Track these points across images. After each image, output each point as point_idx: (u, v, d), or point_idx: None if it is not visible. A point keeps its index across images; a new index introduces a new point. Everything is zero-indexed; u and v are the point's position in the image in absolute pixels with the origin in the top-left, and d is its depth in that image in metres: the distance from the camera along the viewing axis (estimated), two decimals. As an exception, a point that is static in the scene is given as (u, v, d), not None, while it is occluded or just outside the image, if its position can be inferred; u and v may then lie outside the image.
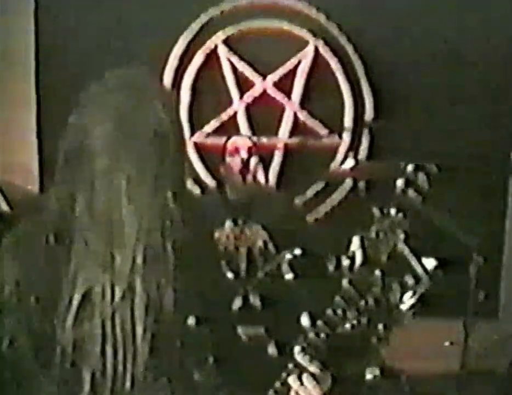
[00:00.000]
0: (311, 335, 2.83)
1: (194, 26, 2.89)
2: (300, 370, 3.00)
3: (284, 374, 3.01)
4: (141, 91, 1.49)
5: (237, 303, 2.95)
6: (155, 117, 1.51)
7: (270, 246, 2.92)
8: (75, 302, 1.51)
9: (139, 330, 1.75)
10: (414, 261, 2.92)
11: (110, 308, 1.74)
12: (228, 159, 2.88)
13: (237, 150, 2.92)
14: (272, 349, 2.89)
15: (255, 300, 2.94)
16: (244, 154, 2.90)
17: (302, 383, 2.22)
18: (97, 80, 1.36)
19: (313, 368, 2.09)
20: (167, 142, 1.50)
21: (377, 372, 2.96)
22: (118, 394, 1.91)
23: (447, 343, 2.87)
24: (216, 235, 2.95)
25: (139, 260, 1.53)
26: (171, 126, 1.53)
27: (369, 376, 2.97)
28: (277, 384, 2.88)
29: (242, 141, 2.91)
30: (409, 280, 2.94)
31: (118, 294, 1.74)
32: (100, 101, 1.33)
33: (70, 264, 1.48)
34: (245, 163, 2.89)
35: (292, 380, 2.34)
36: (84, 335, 1.59)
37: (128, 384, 2.07)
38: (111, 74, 1.36)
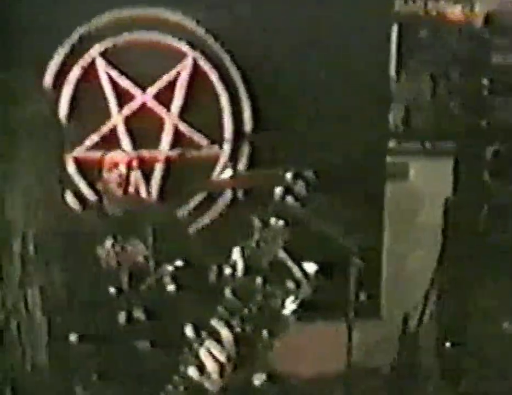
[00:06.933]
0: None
1: (72, 39, 2.87)
2: (187, 380, 3.09)
3: (170, 387, 3.08)
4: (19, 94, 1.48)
5: (122, 318, 2.96)
6: (32, 120, 1.50)
7: (151, 261, 2.93)
8: None
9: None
10: (294, 267, 2.99)
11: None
12: (106, 174, 2.88)
13: (116, 164, 2.92)
14: (157, 361, 2.92)
15: (139, 314, 2.95)
16: (123, 169, 2.91)
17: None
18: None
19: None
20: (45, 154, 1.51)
21: (264, 377, 3.02)
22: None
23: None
24: (98, 252, 2.94)
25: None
26: (48, 133, 1.53)
27: (256, 382, 3.03)
28: (162, 395, 2.92)
29: (120, 155, 2.92)
30: (291, 285, 3.02)
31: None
32: None
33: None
34: (126, 178, 2.89)
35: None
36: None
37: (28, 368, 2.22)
38: None
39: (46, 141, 2.87)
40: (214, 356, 2.94)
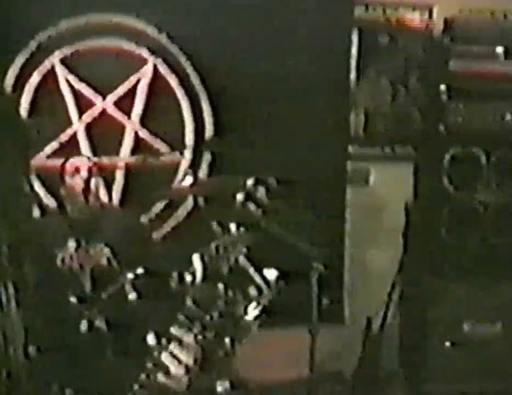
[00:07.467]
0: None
1: (31, 45, 2.84)
2: (148, 388, 3.07)
3: (130, 395, 3.03)
4: None
5: (83, 327, 2.94)
6: None
7: (114, 263, 2.92)
8: None
9: None
10: (255, 274, 2.99)
11: None
12: (68, 180, 2.86)
13: (77, 171, 2.91)
14: (119, 370, 2.90)
15: (100, 323, 2.93)
16: (84, 175, 2.89)
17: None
18: None
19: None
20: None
21: (227, 384, 3.02)
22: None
23: None
24: (60, 256, 2.92)
25: None
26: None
27: (219, 389, 3.02)
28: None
29: (81, 161, 2.90)
30: (253, 292, 3.02)
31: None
32: None
33: None
34: (86, 183, 2.88)
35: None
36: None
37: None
38: None
39: (8, 147, 2.85)
40: (178, 361, 2.94)
